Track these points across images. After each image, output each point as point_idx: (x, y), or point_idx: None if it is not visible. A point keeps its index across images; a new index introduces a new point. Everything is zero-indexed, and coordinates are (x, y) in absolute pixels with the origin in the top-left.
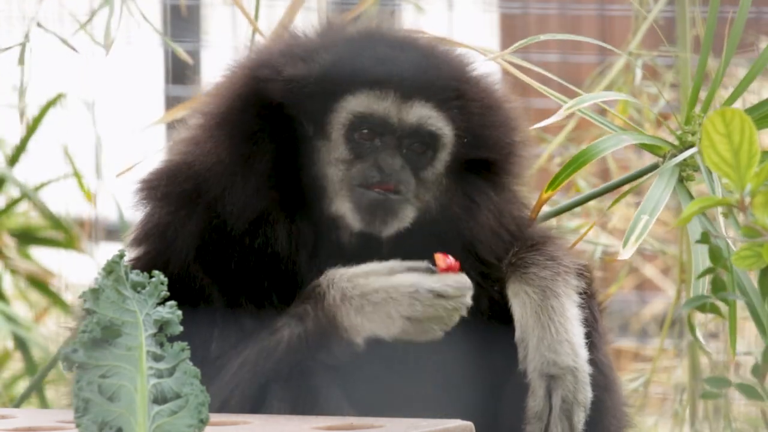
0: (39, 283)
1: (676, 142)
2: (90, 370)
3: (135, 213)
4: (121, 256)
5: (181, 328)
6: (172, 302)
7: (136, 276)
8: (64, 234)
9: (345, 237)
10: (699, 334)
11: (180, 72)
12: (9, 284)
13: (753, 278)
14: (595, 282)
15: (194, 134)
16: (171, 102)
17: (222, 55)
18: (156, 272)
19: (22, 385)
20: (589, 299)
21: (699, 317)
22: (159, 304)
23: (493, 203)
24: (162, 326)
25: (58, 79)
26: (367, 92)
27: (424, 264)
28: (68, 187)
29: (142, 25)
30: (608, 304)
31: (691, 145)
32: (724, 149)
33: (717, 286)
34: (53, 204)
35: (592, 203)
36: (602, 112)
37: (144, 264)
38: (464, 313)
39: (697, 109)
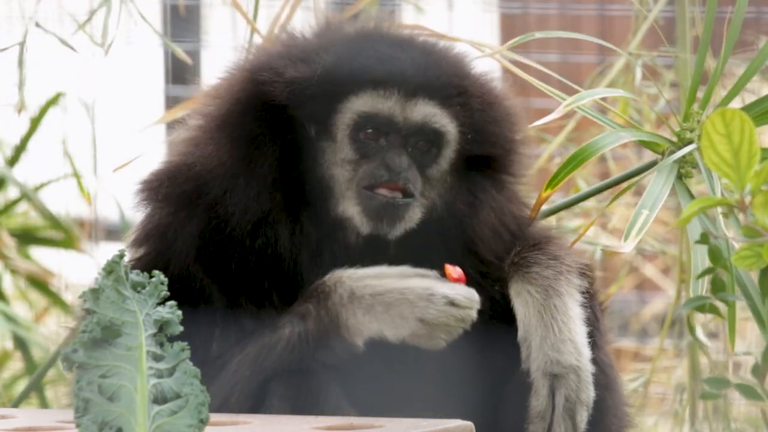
0: (39, 283)
1: (675, 139)
2: (90, 370)
3: (136, 214)
4: (121, 256)
5: (181, 328)
6: (172, 302)
7: (136, 276)
8: (64, 234)
9: (351, 237)
10: (699, 334)
11: (180, 72)
12: (9, 284)
13: (754, 277)
14: (596, 282)
15: (194, 135)
16: (171, 102)
17: (222, 55)
18: (156, 272)
19: (22, 385)
20: (590, 299)
21: (699, 317)
22: (159, 304)
23: (494, 200)
24: (162, 326)
25: (57, 79)
26: (370, 92)
27: (434, 272)
28: (68, 187)
29: (142, 25)
30: (608, 304)
31: (690, 142)
32: (724, 149)
33: (717, 287)
34: (53, 204)
35: (591, 204)
36: (603, 112)
37: (145, 264)
38: (468, 326)
39: (696, 107)
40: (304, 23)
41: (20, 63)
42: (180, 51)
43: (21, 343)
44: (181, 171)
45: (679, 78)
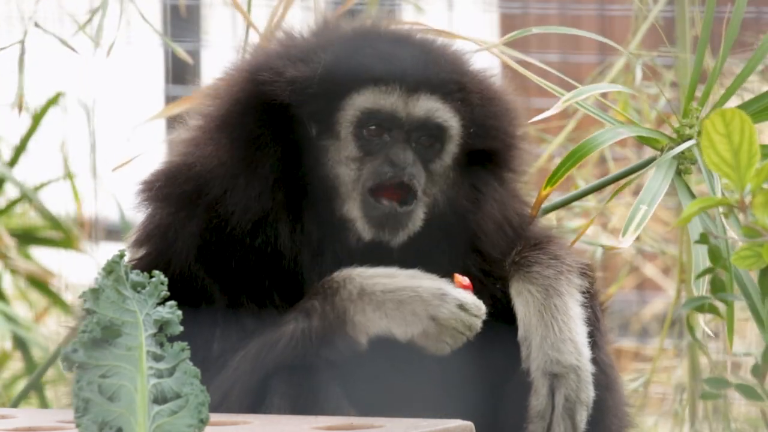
0: (39, 283)
1: (674, 136)
2: (90, 370)
3: (136, 214)
4: (121, 256)
5: (181, 328)
6: (172, 302)
7: (136, 276)
8: (64, 234)
9: (353, 239)
10: (699, 334)
11: (180, 72)
12: (9, 284)
13: (754, 277)
14: (597, 281)
15: (194, 136)
16: (171, 102)
17: (222, 55)
18: (156, 272)
19: (21, 385)
20: (591, 298)
21: (699, 317)
22: (159, 304)
23: (497, 193)
24: (162, 326)
25: (57, 79)
26: (372, 88)
27: (443, 279)
28: (68, 187)
29: (142, 25)
30: (609, 304)
31: (689, 138)
32: (724, 149)
33: (716, 287)
34: (53, 204)
35: (591, 204)
36: (603, 111)
37: (145, 264)
38: (473, 335)
39: (695, 105)
40: (302, 22)
41: (20, 63)
42: (180, 51)
43: (21, 343)
44: (182, 171)
45: (679, 78)
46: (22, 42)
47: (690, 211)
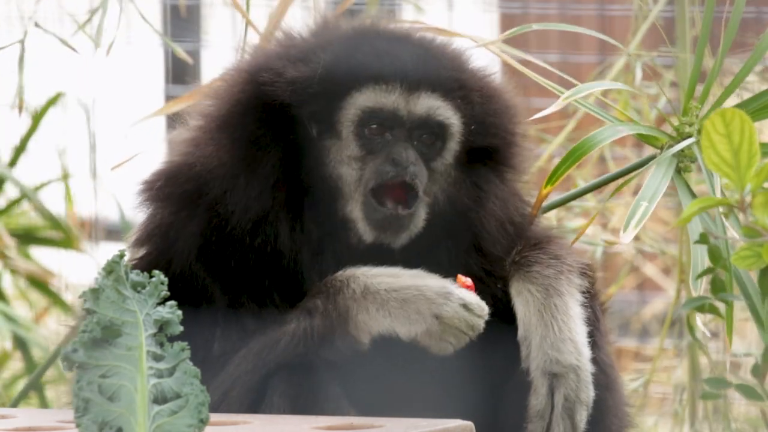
0: (39, 283)
1: (674, 134)
2: (90, 369)
3: (137, 214)
4: (121, 256)
5: (181, 328)
6: (172, 302)
7: (136, 276)
8: (64, 234)
9: (354, 239)
10: (699, 334)
11: (180, 72)
12: (9, 284)
13: (753, 277)
14: (597, 282)
15: (195, 135)
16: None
17: (222, 55)
18: (156, 272)
19: (22, 385)
20: (591, 298)
21: (699, 317)
22: (159, 304)
23: (499, 190)
24: (162, 326)
25: (57, 79)
26: (373, 87)
27: (447, 279)
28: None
29: (142, 25)
30: (609, 304)
31: (689, 136)
32: (724, 149)
33: (716, 287)
34: (53, 204)
35: (591, 204)
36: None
37: (146, 264)
38: (475, 336)
39: (694, 103)
40: (301, 22)
41: (20, 63)
42: (180, 51)
43: (21, 343)
44: (182, 171)
45: (679, 78)
46: (22, 42)
47: (690, 211)
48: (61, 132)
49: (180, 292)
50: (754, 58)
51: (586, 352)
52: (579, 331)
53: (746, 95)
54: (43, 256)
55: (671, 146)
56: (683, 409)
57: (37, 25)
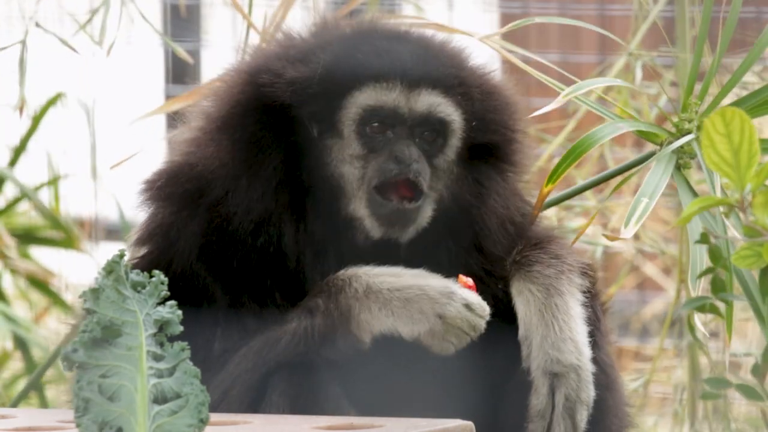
0: (39, 283)
1: (673, 130)
2: (90, 369)
3: (139, 213)
4: (121, 255)
5: (181, 328)
6: (172, 302)
7: (136, 276)
8: (64, 234)
9: (360, 238)
10: (699, 334)
11: (180, 72)
12: (9, 284)
13: (756, 276)
14: (598, 281)
15: (196, 136)
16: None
17: (222, 55)
18: (156, 272)
19: (22, 385)
20: (592, 298)
21: (699, 317)
22: (159, 303)
23: (500, 187)
24: (162, 326)
25: (57, 79)
26: (373, 85)
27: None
28: (68, 187)
29: (142, 25)
30: (609, 304)
31: (688, 133)
32: (724, 149)
33: (716, 286)
34: (57, 203)
35: (591, 204)
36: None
37: (147, 263)
38: (476, 336)
39: (694, 100)
40: (301, 23)
41: (21, 63)
42: (181, 51)
43: (21, 343)
44: (184, 170)
45: (679, 77)
46: (23, 42)
47: (690, 210)
48: (62, 132)
49: (181, 291)
50: (753, 56)
51: (587, 352)
52: (580, 330)
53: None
54: (43, 256)
55: (671, 143)
56: (683, 409)
57: (38, 25)
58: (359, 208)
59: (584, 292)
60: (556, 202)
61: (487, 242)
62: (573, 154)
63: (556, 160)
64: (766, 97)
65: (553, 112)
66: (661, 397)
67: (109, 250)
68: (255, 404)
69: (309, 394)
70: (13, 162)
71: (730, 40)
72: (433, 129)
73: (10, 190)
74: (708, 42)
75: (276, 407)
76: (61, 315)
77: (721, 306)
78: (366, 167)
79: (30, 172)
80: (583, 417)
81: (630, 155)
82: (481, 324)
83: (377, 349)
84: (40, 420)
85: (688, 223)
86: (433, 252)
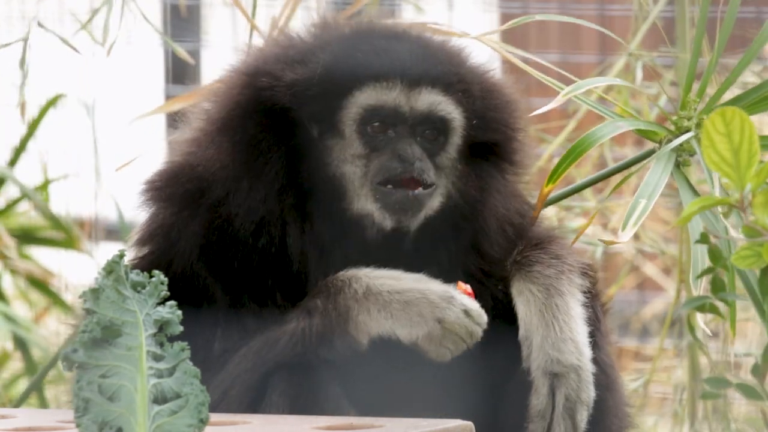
0: (39, 283)
1: (673, 128)
2: (90, 369)
3: (140, 214)
4: (121, 256)
5: (181, 328)
6: (172, 302)
7: (136, 276)
8: (64, 234)
9: (370, 233)
10: (699, 333)
11: (180, 72)
12: (9, 284)
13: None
14: (598, 282)
15: (196, 136)
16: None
17: (222, 55)
18: (156, 272)
19: (22, 386)
20: (592, 299)
21: (699, 317)
22: (159, 303)
23: (501, 186)
24: (162, 326)
25: (58, 78)
26: (373, 84)
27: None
28: (68, 187)
29: (143, 24)
30: (609, 304)
31: (687, 130)
32: (724, 148)
33: (717, 286)
34: (53, 204)
35: (591, 204)
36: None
37: (148, 264)
38: (473, 344)
39: (692, 97)
40: (302, 23)
41: (22, 62)
42: (181, 51)
43: (21, 343)
44: (185, 171)
45: (679, 78)
46: (25, 41)
47: (690, 210)
48: (62, 132)
49: (181, 291)
50: (751, 52)
51: (587, 352)
52: (580, 331)
53: None
54: (43, 256)
55: (670, 140)
56: (683, 409)
57: (39, 24)
58: (366, 204)
59: (584, 293)
60: (555, 200)
61: (486, 244)
62: (573, 154)
63: (556, 160)
64: (766, 93)
65: (553, 113)
66: (661, 397)
67: (109, 250)
68: (255, 404)
69: (309, 394)
70: (13, 162)
71: (728, 38)
72: (434, 127)
73: (10, 190)
74: (709, 42)
75: (276, 407)
76: (61, 315)
77: (722, 306)
78: (368, 166)
79: (30, 172)
80: (583, 417)
81: (630, 155)
82: (478, 332)
83: (377, 350)
84: (40, 420)
85: (689, 223)
86: (434, 253)
